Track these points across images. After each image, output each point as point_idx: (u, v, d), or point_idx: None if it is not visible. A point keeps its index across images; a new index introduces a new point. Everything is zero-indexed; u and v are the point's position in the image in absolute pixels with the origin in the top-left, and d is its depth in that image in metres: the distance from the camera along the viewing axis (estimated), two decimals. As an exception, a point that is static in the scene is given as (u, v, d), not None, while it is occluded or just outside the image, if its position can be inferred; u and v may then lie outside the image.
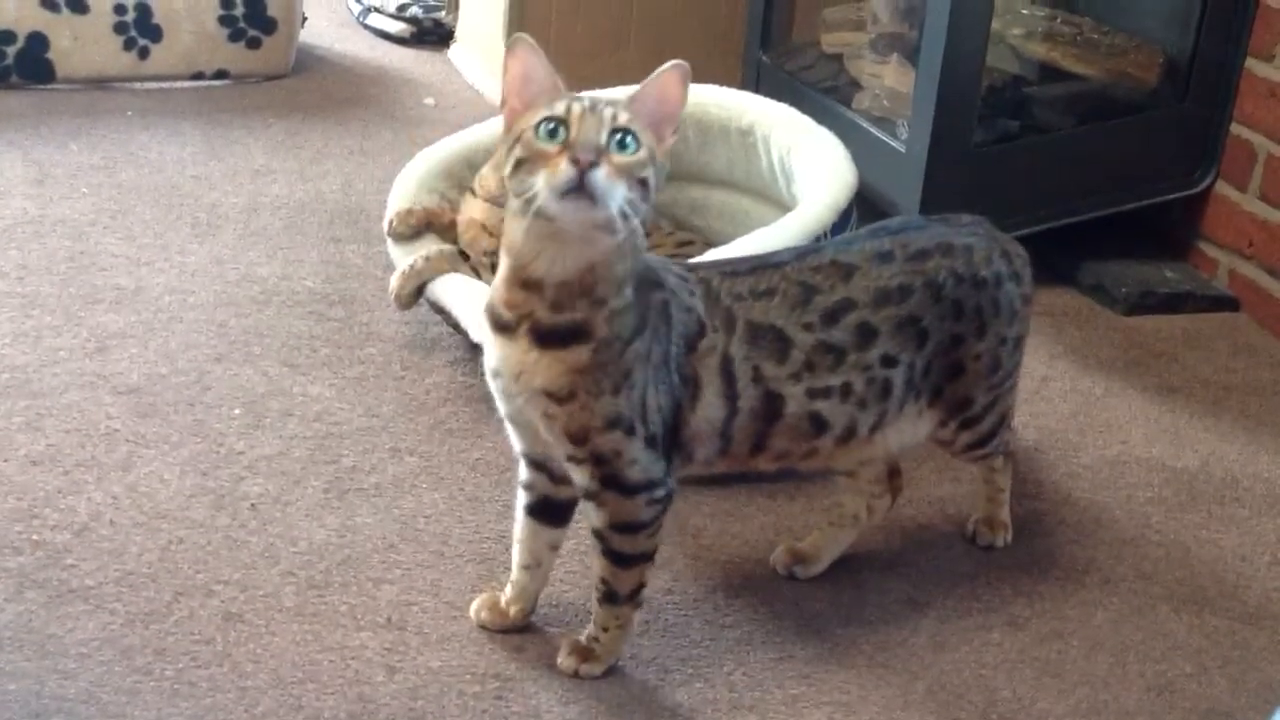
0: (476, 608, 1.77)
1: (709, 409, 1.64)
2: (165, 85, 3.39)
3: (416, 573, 1.85)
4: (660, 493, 1.62)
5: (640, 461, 1.59)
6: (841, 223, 2.21)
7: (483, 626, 1.76)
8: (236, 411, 2.15)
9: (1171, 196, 2.88)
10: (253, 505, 1.94)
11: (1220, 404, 2.48)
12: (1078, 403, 2.43)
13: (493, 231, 2.23)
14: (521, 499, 1.73)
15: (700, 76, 2.61)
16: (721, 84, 2.62)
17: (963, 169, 2.71)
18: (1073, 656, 1.82)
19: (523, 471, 1.72)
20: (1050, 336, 2.64)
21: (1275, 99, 2.72)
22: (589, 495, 1.62)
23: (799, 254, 1.75)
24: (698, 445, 1.66)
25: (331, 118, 3.30)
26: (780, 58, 3.23)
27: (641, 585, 1.68)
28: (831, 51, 3.22)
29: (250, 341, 2.34)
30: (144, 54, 3.34)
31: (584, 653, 1.70)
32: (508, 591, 1.77)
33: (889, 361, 1.72)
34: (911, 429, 1.80)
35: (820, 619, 1.84)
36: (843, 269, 1.72)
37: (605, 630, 1.69)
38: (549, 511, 1.73)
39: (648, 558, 1.67)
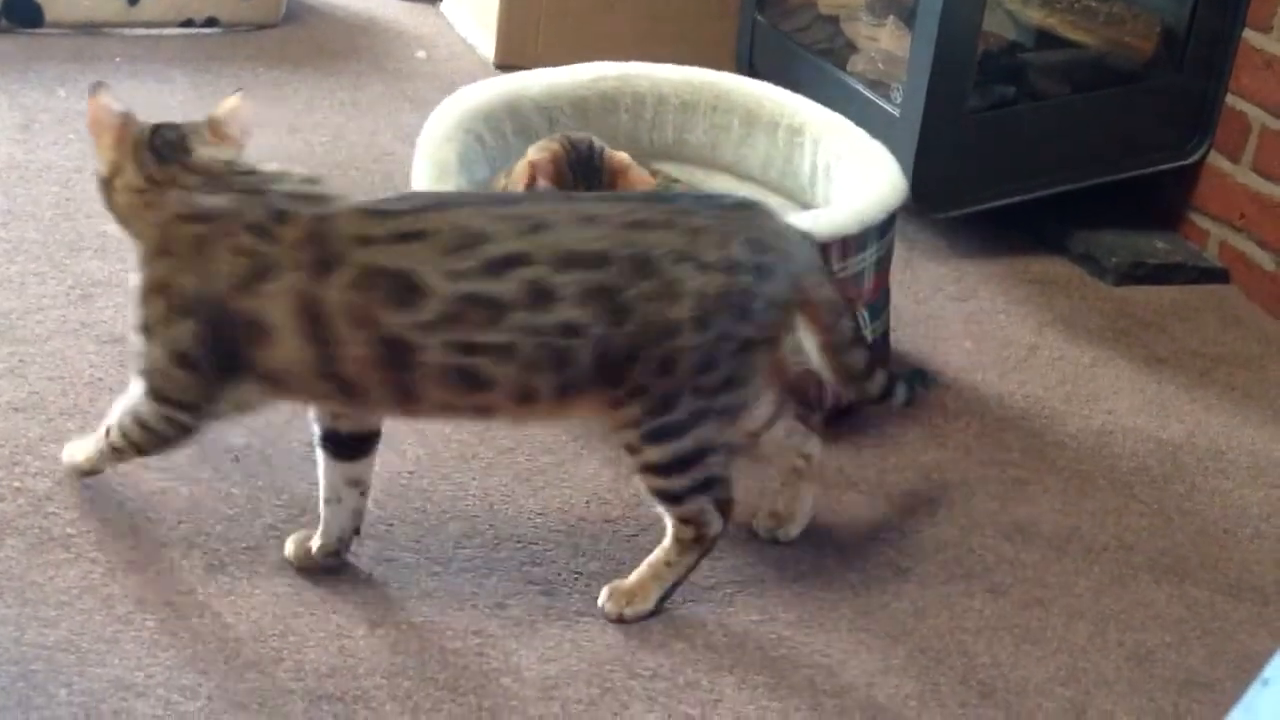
0: (289, 543, 1.76)
1: (287, 349, 1.59)
2: (154, 32, 3.35)
3: (399, 528, 1.85)
4: (183, 417, 1.67)
5: (163, 372, 1.65)
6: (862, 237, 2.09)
7: (290, 563, 1.75)
8: (221, 363, 2.14)
9: (1165, 167, 2.87)
10: (236, 457, 1.93)
11: (1207, 375, 2.48)
12: (1065, 371, 2.43)
13: None
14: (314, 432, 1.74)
15: (695, 37, 2.61)
16: (715, 46, 2.58)
17: (956, 134, 2.69)
18: (1053, 624, 1.83)
19: None
20: (1039, 305, 2.64)
21: (1271, 71, 2.71)
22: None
23: (495, 199, 1.70)
24: (294, 382, 1.63)
25: (322, 69, 3.27)
26: (776, 18, 3.20)
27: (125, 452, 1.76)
28: (828, 13, 3.19)
29: (236, 293, 2.32)
30: None
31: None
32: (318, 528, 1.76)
33: (570, 330, 1.58)
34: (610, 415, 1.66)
35: (802, 582, 1.85)
36: (530, 221, 1.60)
37: None
38: (334, 444, 1.72)
39: (136, 448, 1.74)
